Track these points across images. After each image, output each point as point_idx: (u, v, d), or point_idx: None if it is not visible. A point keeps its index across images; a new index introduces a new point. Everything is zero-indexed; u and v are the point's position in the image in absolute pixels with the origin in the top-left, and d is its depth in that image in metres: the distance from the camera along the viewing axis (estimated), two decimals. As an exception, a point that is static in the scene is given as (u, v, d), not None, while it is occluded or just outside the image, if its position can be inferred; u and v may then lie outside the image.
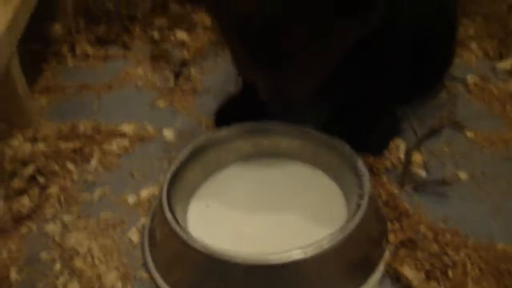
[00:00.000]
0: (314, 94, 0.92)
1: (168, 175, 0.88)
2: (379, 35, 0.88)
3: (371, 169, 0.96)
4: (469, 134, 1.07)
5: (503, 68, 1.23)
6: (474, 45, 1.31)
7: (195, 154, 0.94)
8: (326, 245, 0.76)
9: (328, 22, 0.81)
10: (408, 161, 0.99)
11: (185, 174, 0.91)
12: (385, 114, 1.06)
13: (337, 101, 1.04)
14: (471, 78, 1.21)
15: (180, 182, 0.90)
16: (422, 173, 1.00)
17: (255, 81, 0.90)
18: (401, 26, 0.94)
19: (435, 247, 0.86)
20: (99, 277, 0.85)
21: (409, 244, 0.87)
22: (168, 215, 0.82)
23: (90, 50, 1.39)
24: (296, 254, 0.75)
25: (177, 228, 0.80)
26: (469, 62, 1.27)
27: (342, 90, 0.99)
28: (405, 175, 0.98)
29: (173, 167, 0.90)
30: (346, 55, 0.88)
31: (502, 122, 1.09)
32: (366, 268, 0.83)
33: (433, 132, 1.06)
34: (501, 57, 1.27)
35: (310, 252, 0.75)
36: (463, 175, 0.99)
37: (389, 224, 0.90)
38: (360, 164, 0.88)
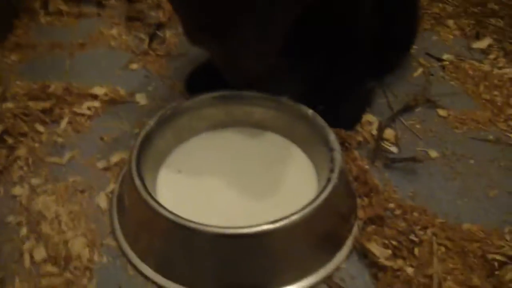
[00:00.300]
0: (281, 67, 0.90)
1: (138, 141, 0.87)
2: (343, 7, 0.87)
3: (343, 144, 0.97)
4: (442, 112, 1.08)
5: (478, 48, 1.23)
6: (451, 23, 1.31)
7: (166, 120, 0.92)
8: (295, 217, 0.76)
9: None
10: (380, 137, 1.00)
11: (155, 140, 0.90)
12: (356, 88, 1.05)
13: (307, 75, 1.03)
14: (446, 56, 1.21)
15: (150, 149, 0.89)
16: (394, 150, 1.00)
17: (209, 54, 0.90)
18: None
19: (403, 225, 0.87)
20: (66, 243, 0.84)
21: (378, 220, 0.87)
22: (137, 181, 0.81)
23: (63, 7, 1.36)
24: (265, 226, 0.75)
25: (146, 195, 0.79)
26: (446, 40, 1.27)
27: (311, 63, 0.98)
28: (376, 151, 0.98)
29: (143, 133, 0.88)
30: (311, 29, 0.86)
31: (475, 102, 1.10)
32: (334, 242, 0.84)
33: (407, 109, 1.07)
34: (477, 37, 1.27)
35: (278, 223, 0.75)
36: (433, 153, 0.99)
37: (358, 200, 0.91)
38: (332, 138, 0.88)
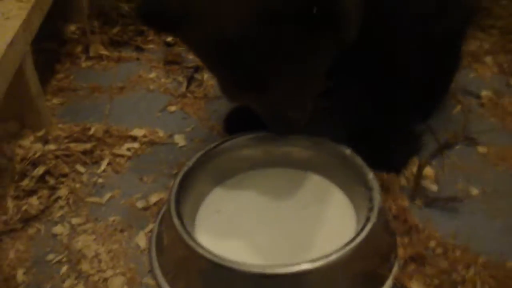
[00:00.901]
0: (326, 113, 0.90)
1: (177, 180, 0.88)
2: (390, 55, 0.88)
3: (382, 182, 0.95)
4: (481, 149, 1.06)
5: (517, 84, 1.22)
6: (489, 60, 1.30)
7: (206, 161, 0.93)
8: (333, 257, 0.75)
9: (300, 39, 0.78)
10: (419, 176, 0.98)
11: (194, 180, 0.91)
12: (404, 132, 1.05)
13: (355, 119, 1.03)
14: (485, 93, 1.20)
15: (189, 188, 0.90)
16: (434, 188, 0.99)
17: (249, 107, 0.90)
18: (411, 42, 0.93)
19: (444, 263, 0.85)
20: (105, 281, 0.85)
21: (419, 259, 0.86)
22: (176, 220, 0.82)
23: (103, 51, 1.39)
24: (304, 265, 0.74)
25: (184, 234, 0.80)
26: (484, 76, 1.26)
27: (358, 108, 0.98)
28: (416, 189, 0.97)
29: (183, 172, 0.89)
30: (355, 67, 0.87)
31: (516, 138, 1.08)
32: (374, 282, 0.83)
33: (447, 147, 1.06)
34: (516, 72, 1.26)
35: (317, 263, 0.75)
36: (474, 191, 0.98)
37: (398, 238, 0.89)
38: (371, 177, 0.87)
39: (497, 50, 1.32)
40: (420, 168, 0.99)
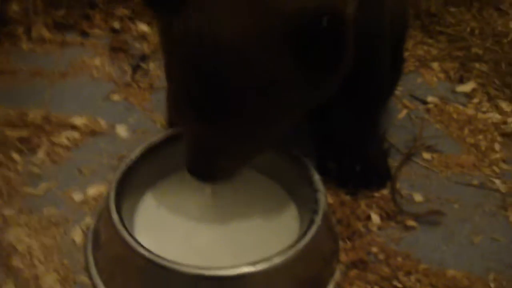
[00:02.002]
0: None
1: (118, 174, 0.85)
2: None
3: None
4: (426, 155, 1.07)
5: (463, 91, 1.24)
6: (436, 66, 1.31)
7: (148, 154, 0.90)
8: (276, 260, 0.74)
9: (287, 76, 0.72)
10: (394, 189, 0.99)
11: (136, 175, 0.88)
12: (379, 144, 1.04)
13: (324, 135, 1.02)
14: (431, 99, 1.21)
15: (130, 183, 0.86)
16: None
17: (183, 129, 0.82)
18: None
19: (386, 270, 0.85)
20: (36, 278, 0.81)
21: (360, 265, 0.86)
22: (114, 216, 0.78)
23: (46, 34, 1.33)
24: (245, 268, 0.73)
25: (123, 231, 0.77)
26: (430, 83, 1.27)
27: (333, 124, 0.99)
28: (395, 204, 0.96)
29: (123, 166, 0.86)
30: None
31: (459, 146, 1.09)
32: (315, 286, 0.81)
33: (409, 157, 1.06)
34: (461, 80, 1.27)
35: (259, 266, 0.73)
36: (418, 198, 0.98)
37: (341, 243, 0.89)
38: (317, 179, 0.86)
39: (444, 56, 1.34)
40: (394, 181, 1.00)
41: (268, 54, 0.70)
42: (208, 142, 0.78)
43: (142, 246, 0.75)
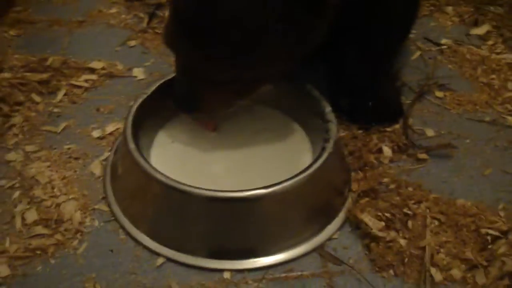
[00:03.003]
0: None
1: (134, 107, 0.87)
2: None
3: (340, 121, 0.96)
4: (439, 94, 1.08)
5: (477, 34, 1.24)
6: (450, 10, 1.31)
7: (163, 91, 0.92)
8: (287, 183, 0.76)
9: (273, 14, 0.73)
10: (406, 125, 1.00)
11: (150, 109, 0.90)
12: (391, 79, 1.05)
13: (344, 77, 1.02)
14: (444, 41, 1.21)
15: (145, 117, 0.89)
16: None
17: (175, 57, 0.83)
18: None
19: (396, 199, 0.87)
20: (57, 206, 0.84)
21: (371, 193, 0.87)
22: (131, 145, 0.81)
23: (64, -15, 1.36)
24: (257, 190, 0.75)
25: (139, 158, 0.79)
26: (445, 26, 1.27)
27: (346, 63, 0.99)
28: (407, 139, 0.98)
29: (140, 100, 0.88)
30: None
31: (472, 85, 1.10)
32: (327, 212, 0.84)
33: (421, 94, 1.06)
34: (475, 23, 1.27)
35: (271, 189, 0.75)
36: (430, 132, 0.99)
37: (353, 174, 0.90)
38: (328, 110, 0.87)
39: (458, 1, 1.33)
40: (407, 117, 1.01)
41: None
42: (195, 71, 0.79)
43: (158, 171, 0.77)
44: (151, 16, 1.27)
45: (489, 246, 0.81)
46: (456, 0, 1.33)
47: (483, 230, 0.83)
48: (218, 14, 0.73)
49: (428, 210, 0.85)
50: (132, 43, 1.19)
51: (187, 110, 0.86)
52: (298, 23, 0.76)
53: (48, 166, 0.91)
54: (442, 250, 0.80)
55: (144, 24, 1.24)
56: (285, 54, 0.80)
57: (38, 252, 0.78)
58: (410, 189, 0.89)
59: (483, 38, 1.23)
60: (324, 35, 0.80)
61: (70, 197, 0.86)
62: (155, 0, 1.32)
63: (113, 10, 1.30)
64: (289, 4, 0.73)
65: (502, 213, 0.86)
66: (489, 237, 0.82)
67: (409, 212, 0.85)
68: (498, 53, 1.18)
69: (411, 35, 1.21)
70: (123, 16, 1.28)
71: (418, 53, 1.18)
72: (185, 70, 0.81)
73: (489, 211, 0.86)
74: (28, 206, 0.84)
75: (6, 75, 1.05)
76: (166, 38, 0.81)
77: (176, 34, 0.79)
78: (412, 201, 0.87)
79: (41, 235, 0.80)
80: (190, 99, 0.83)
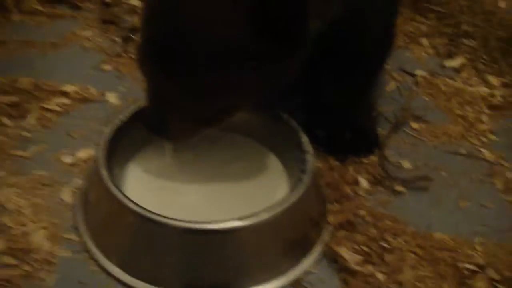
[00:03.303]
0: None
1: (107, 133, 0.85)
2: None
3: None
4: (414, 125, 1.08)
5: (451, 66, 1.25)
6: (425, 42, 1.32)
7: (137, 117, 0.90)
8: (263, 215, 0.75)
9: (244, 43, 0.71)
10: (383, 156, 0.99)
11: (124, 136, 0.88)
12: (369, 110, 1.05)
13: (311, 100, 1.02)
14: (420, 72, 1.22)
15: (118, 143, 0.87)
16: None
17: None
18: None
19: (374, 232, 0.86)
20: (26, 235, 0.81)
21: (348, 226, 0.86)
22: (103, 173, 0.79)
23: (38, 6, 1.33)
24: (233, 222, 0.73)
25: (112, 187, 0.77)
26: (419, 57, 1.28)
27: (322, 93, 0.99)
28: (383, 171, 0.97)
29: (113, 126, 0.86)
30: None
31: (447, 116, 1.10)
32: (303, 245, 0.82)
33: (398, 126, 1.06)
34: (450, 55, 1.28)
35: (247, 221, 0.74)
36: (406, 164, 0.99)
37: (329, 205, 0.89)
38: (305, 140, 0.87)
39: (433, 33, 1.35)
40: (383, 148, 1.00)
41: (227, 18, 0.70)
42: (166, 97, 0.78)
43: (131, 201, 0.76)
44: (126, 40, 1.25)
45: (467, 281, 0.81)
46: (431, 32, 1.34)
47: (461, 265, 0.82)
48: (187, 44, 0.72)
49: (405, 244, 0.85)
50: (106, 67, 1.17)
51: (157, 134, 0.85)
52: (272, 58, 0.74)
53: (17, 193, 0.88)
54: (420, 285, 0.80)
55: (119, 48, 1.23)
56: (257, 88, 0.79)
57: (4, 283, 0.75)
58: (387, 222, 0.88)
59: (458, 70, 1.24)
60: (297, 72, 0.79)
61: (39, 225, 0.83)
62: (130, 24, 1.30)
63: (88, 33, 1.27)
64: (262, 38, 0.71)
65: (478, 247, 0.86)
66: (466, 272, 0.82)
67: (386, 245, 0.84)
68: (472, 85, 1.19)
69: (387, 66, 1.21)
70: (98, 39, 1.26)
71: (393, 84, 1.18)
72: (154, 94, 0.80)
73: (466, 245, 0.86)
74: (-4, 235, 0.82)
75: (-25, 97, 1.02)
76: (137, 59, 0.81)
77: (146, 59, 0.78)
78: (390, 235, 0.86)
79: (8, 265, 0.77)
80: (160, 123, 0.82)
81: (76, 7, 1.35)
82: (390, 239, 0.85)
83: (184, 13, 0.71)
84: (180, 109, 0.79)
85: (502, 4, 1.42)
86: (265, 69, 0.75)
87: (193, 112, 0.80)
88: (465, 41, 1.31)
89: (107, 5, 1.36)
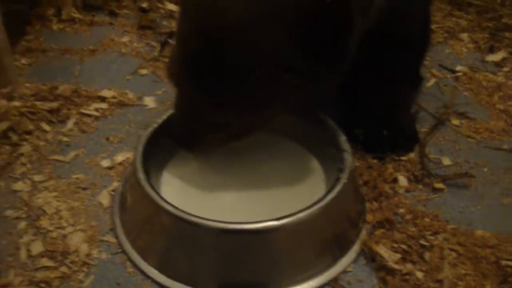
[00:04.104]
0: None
1: (144, 137, 0.86)
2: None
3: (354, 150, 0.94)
4: (455, 121, 1.05)
5: (492, 61, 1.22)
6: (465, 37, 1.30)
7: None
8: (301, 215, 0.74)
9: (288, 59, 0.72)
10: (423, 153, 0.97)
11: (161, 139, 0.88)
12: (407, 107, 1.04)
13: (358, 105, 1.01)
14: (460, 68, 1.19)
15: (155, 147, 0.87)
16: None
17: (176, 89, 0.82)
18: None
19: (413, 230, 0.84)
20: (64, 238, 0.82)
21: (387, 224, 0.85)
22: (140, 176, 0.79)
23: (76, 14, 1.36)
24: (270, 222, 0.73)
25: (149, 189, 0.77)
26: (459, 53, 1.26)
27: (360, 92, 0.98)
28: (423, 168, 0.95)
29: (150, 130, 0.87)
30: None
31: (489, 112, 1.08)
32: (341, 244, 0.81)
33: (441, 122, 1.05)
34: (491, 50, 1.25)
35: (284, 221, 0.73)
36: (446, 161, 0.97)
37: (367, 204, 0.88)
38: (343, 139, 0.86)
39: (473, 27, 1.32)
40: (423, 145, 0.99)
41: (273, 35, 0.70)
42: (195, 109, 0.78)
43: (168, 203, 0.76)
44: (163, 44, 1.26)
45: (510, 279, 0.78)
46: (471, 27, 1.32)
47: (504, 262, 0.80)
48: (228, 59, 0.72)
49: (445, 242, 0.83)
50: (144, 71, 1.18)
51: (184, 146, 0.85)
52: (312, 75, 0.75)
53: (56, 196, 0.89)
54: (460, 283, 0.78)
55: (156, 53, 1.24)
56: (298, 104, 0.80)
57: (43, 285, 0.76)
58: (426, 219, 0.86)
59: (499, 64, 1.21)
60: (338, 86, 0.79)
61: (77, 228, 0.84)
62: (167, 28, 1.31)
63: (125, 39, 1.29)
64: (305, 56, 0.72)
65: (523, 245, 0.83)
66: (509, 269, 0.79)
67: (426, 243, 0.82)
68: (514, 80, 1.16)
69: (426, 62, 1.19)
70: (135, 44, 1.27)
71: (433, 80, 1.16)
72: (186, 106, 0.80)
73: (509, 242, 0.83)
74: (33, 237, 0.83)
75: (16, 103, 1.04)
76: (170, 71, 0.80)
77: (181, 70, 0.78)
78: (429, 232, 0.84)
79: (46, 268, 0.78)
80: (189, 135, 0.83)
81: (114, 14, 1.38)
82: (429, 237, 0.83)
83: (230, 29, 0.71)
84: (212, 123, 0.79)
85: (544, -5, 1.38)
86: (308, 86, 0.76)
87: (227, 126, 0.80)
88: (507, 34, 1.28)
89: (144, 10, 1.38)
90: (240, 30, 0.71)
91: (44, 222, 0.85)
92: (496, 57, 1.22)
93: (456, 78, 1.17)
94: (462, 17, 1.35)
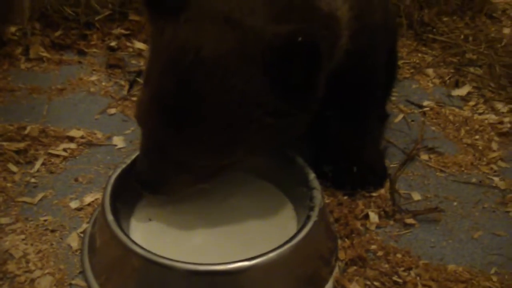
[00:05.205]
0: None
1: (113, 177, 0.85)
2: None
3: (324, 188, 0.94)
4: (424, 156, 1.07)
5: (458, 95, 1.24)
6: (430, 72, 1.32)
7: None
8: (272, 254, 0.73)
9: (260, 98, 0.73)
10: (394, 189, 0.98)
11: (130, 179, 0.87)
12: (376, 144, 1.05)
13: (325, 142, 1.02)
14: (427, 103, 1.21)
15: (124, 187, 0.86)
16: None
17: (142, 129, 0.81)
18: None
19: (385, 266, 0.84)
20: (32, 282, 0.80)
21: (360, 262, 0.85)
22: (109, 217, 0.78)
23: (44, 53, 1.35)
24: (241, 262, 0.72)
25: (118, 231, 0.76)
26: (426, 88, 1.28)
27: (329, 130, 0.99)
28: (394, 204, 0.96)
29: (119, 170, 0.86)
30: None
31: (456, 146, 1.09)
32: (314, 284, 0.81)
33: (411, 158, 1.06)
34: (457, 85, 1.28)
35: (255, 261, 0.72)
36: (416, 196, 0.97)
37: (339, 241, 0.88)
38: (312, 177, 0.86)
39: (439, 63, 1.34)
40: (393, 181, 0.99)
41: (245, 74, 0.71)
42: (164, 153, 0.77)
43: (137, 244, 0.74)
44: (132, 83, 1.26)
45: (484, 314, 0.79)
46: (436, 62, 1.34)
47: (477, 298, 0.80)
48: (200, 97, 0.72)
49: (418, 278, 0.83)
50: (112, 110, 1.17)
51: (150, 190, 0.83)
52: (283, 114, 0.75)
53: (23, 239, 0.87)
54: (435, 319, 0.78)
55: (125, 92, 1.23)
56: (268, 143, 0.80)
57: (10, 333, 0.74)
58: (398, 255, 0.87)
59: (465, 99, 1.23)
60: (307, 125, 0.81)
61: (46, 272, 0.82)
62: (136, 67, 1.31)
63: (94, 78, 1.29)
64: (277, 95, 0.73)
65: (494, 278, 0.84)
66: (483, 305, 0.80)
67: (399, 280, 0.83)
68: (480, 114, 1.18)
69: (394, 98, 1.21)
70: (104, 83, 1.27)
71: (401, 116, 1.18)
72: (153, 149, 0.79)
73: (481, 276, 0.84)
74: (0, 283, 0.80)
75: (-18, 145, 1.02)
76: (139, 111, 0.79)
77: (150, 109, 0.77)
78: (402, 269, 0.85)
79: (14, 315, 0.76)
80: (155, 178, 0.81)
81: (83, 53, 1.37)
82: (402, 273, 0.84)
83: (203, 67, 0.71)
84: (180, 163, 0.78)
85: (506, 31, 1.43)
86: (279, 125, 0.76)
87: (197, 169, 0.80)
88: (471, 69, 1.31)
89: (113, 49, 1.38)
90: (213, 68, 0.71)
91: (11, 266, 0.82)
92: (462, 91, 1.25)
93: (424, 113, 1.18)
94: (428, 52, 1.38)
